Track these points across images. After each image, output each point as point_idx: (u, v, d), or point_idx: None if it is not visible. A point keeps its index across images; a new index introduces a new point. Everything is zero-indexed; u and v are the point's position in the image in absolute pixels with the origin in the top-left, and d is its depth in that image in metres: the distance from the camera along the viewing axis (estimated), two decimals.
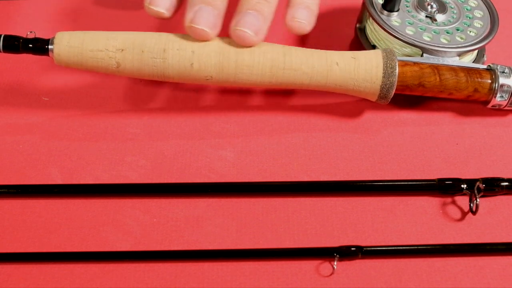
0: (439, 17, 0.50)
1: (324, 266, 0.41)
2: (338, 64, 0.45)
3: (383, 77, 0.45)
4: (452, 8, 0.52)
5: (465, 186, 0.44)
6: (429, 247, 0.42)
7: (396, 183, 0.45)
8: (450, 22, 0.50)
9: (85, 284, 0.39)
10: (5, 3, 0.59)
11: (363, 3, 0.52)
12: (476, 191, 0.43)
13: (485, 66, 0.48)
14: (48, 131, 0.48)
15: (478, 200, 0.43)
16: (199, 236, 0.42)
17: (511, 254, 0.42)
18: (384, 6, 0.50)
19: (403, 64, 0.46)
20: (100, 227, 0.42)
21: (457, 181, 0.44)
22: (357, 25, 0.54)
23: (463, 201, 0.44)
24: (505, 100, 0.48)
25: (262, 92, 0.51)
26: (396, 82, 0.45)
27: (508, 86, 0.47)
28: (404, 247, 0.42)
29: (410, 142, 0.48)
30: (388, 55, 0.46)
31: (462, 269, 0.41)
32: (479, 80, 0.47)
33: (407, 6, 0.51)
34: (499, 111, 0.50)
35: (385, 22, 0.49)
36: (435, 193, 0.45)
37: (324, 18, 0.59)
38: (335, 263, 0.40)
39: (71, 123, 0.48)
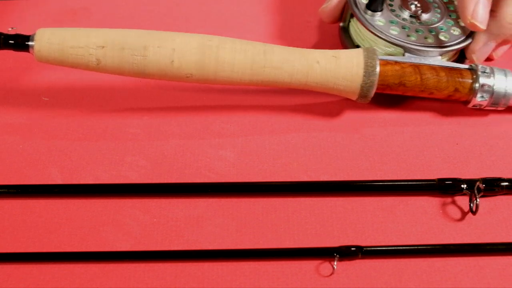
0: (423, 16, 0.50)
1: (324, 266, 0.41)
2: (319, 63, 0.45)
3: (364, 76, 0.45)
4: (436, 7, 0.52)
5: (465, 186, 0.44)
6: (429, 247, 0.42)
7: (396, 183, 0.45)
8: (434, 21, 0.50)
9: (85, 284, 0.39)
10: (5, 3, 0.59)
11: (346, 3, 0.51)
12: (476, 191, 0.43)
13: (466, 66, 0.48)
14: (48, 131, 0.48)
15: (478, 200, 0.43)
16: (199, 236, 0.42)
17: (511, 254, 0.42)
18: (368, 6, 0.49)
19: (385, 63, 0.46)
20: (100, 227, 0.42)
21: (457, 181, 0.44)
22: (341, 24, 0.54)
23: (463, 201, 0.44)
24: (486, 100, 0.47)
25: (262, 92, 0.51)
26: (376, 81, 0.45)
27: (489, 86, 0.47)
28: (404, 247, 0.42)
29: (410, 142, 0.48)
30: (369, 54, 0.45)
31: (462, 269, 0.41)
32: (460, 79, 0.47)
33: (391, 6, 0.51)
34: (496, 111, 0.50)
35: (369, 22, 0.49)
36: (435, 193, 0.45)
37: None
38: (335, 263, 0.40)
39: (71, 123, 0.48)
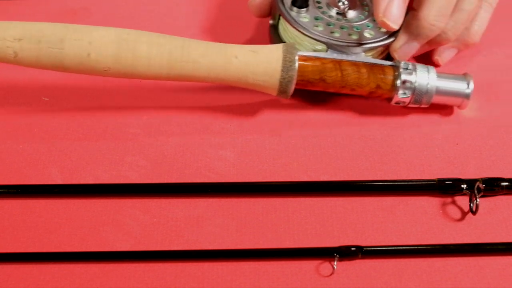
0: (350, 14, 0.50)
1: (324, 266, 0.41)
2: (237, 57, 0.45)
3: (282, 71, 0.45)
4: (364, 5, 0.51)
5: (465, 186, 0.44)
6: (429, 247, 0.42)
7: (396, 183, 0.45)
8: (361, 18, 0.50)
9: (85, 284, 0.39)
10: (5, 3, 0.59)
11: (274, 0, 0.51)
12: (476, 191, 0.43)
13: (389, 63, 0.48)
14: (48, 131, 0.48)
15: (478, 200, 0.43)
16: (199, 236, 0.42)
17: (511, 254, 0.42)
18: (293, 3, 0.49)
19: (305, 58, 0.46)
20: (100, 227, 0.42)
21: (457, 181, 0.44)
22: (270, 22, 0.53)
23: (463, 201, 0.44)
24: (408, 96, 0.47)
25: (262, 91, 0.51)
26: (295, 76, 0.45)
27: (411, 82, 0.46)
28: (404, 247, 0.42)
29: (410, 142, 0.48)
30: (289, 49, 0.45)
31: (462, 269, 0.41)
32: (382, 76, 0.47)
33: (318, 3, 0.51)
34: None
35: (293, 19, 0.49)
36: (435, 193, 0.45)
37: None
38: (335, 263, 0.40)
39: (71, 123, 0.48)
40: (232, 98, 0.51)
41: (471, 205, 0.43)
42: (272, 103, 0.51)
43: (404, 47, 0.48)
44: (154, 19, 0.58)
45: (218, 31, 0.57)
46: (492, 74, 0.53)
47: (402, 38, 0.48)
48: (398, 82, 0.46)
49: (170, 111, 0.50)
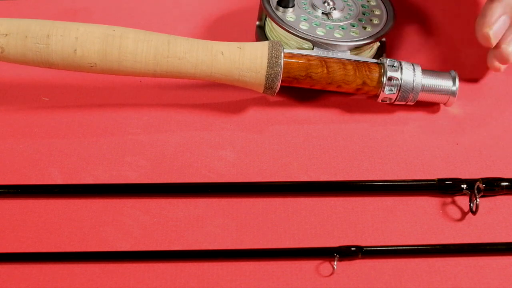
0: (335, 14, 0.51)
1: (324, 266, 0.41)
2: (223, 54, 0.45)
3: (268, 67, 0.45)
4: (349, 6, 0.52)
5: (465, 186, 0.44)
6: (429, 247, 0.42)
7: (396, 183, 0.45)
8: (346, 18, 0.51)
9: (85, 284, 0.39)
10: (5, 3, 0.59)
11: (260, 1, 0.51)
12: (476, 191, 0.43)
13: (375, 60, 0.48)
14: (48, 131, 0.48)
15: (478, 200, 0.43)
16: (199, 236, 0.42)
17: (511, 254, 0.42)
18: (279, 2, 0.50)
19: (290, 55, 0.47)
20: (100, 227, 0.42)
21: (457, 181, 0.44)
22: (257, 23, 0.54)
23: (463, 201, 0.44)
24: (394, 93, 0.47)
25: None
26: (281, 72, 0.45)
27: (397, 79, 0.47)
28: (404, 247, 0.42)
29: (410, 142, 0.48)
30: (274, 45, 0.46)
31: (462, 269, 0.41)
32: (368, 73, 0.47)
33: (304, 4, 0.51)
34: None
35: (279, 18, 0.49)
36: (435, 193, 0.45)
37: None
38: (335, 263, 0.40)
39: (71, 123, 0.48)
40: (233, 98, 0.51)
41: (471, 205, 0.43)
42: (271, 104, 0.51)
43: (498, 23, 0.47)
44: (155, 19, 0.58)
45: (217, 33, 0.57)
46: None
47: (496, 11, 0.46)
48: (384, 78, 0.47)
49: (170, 111, 0.50)
